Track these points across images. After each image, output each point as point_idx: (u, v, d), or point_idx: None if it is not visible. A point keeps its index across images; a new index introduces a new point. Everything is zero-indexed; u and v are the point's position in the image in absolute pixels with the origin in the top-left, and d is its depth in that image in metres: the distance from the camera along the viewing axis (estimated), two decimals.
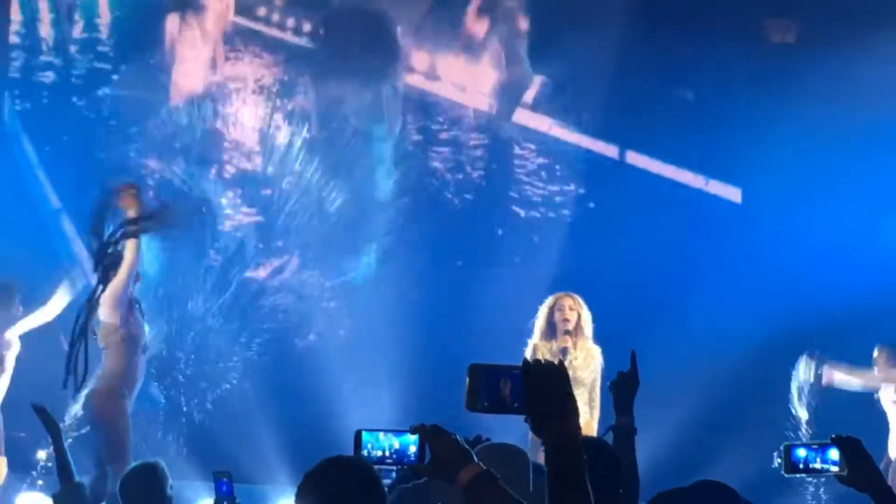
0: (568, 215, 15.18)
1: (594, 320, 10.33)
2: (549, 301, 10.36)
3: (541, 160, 15.41)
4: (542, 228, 15.22)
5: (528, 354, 10.05)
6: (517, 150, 15.47)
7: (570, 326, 10.16)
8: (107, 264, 10.06)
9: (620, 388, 5.76)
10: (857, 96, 13.60)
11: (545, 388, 3.25)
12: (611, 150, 15.41)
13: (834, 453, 4.70)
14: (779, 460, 4.71)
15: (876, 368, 12.38)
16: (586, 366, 10.07)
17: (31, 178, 15.04)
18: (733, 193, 14.89)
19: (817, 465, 4.69)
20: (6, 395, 11.40)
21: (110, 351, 10.00)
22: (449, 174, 15.39)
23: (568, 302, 10.24)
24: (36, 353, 11.54)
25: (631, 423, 5.69)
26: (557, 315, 10.20)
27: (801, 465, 4.69)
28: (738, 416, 13.02)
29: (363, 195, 15.20)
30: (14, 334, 11.41)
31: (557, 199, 15.31)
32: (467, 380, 3.33)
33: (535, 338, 10.29)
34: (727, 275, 13.93)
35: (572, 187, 15.28)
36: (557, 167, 15.37)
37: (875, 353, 12.32)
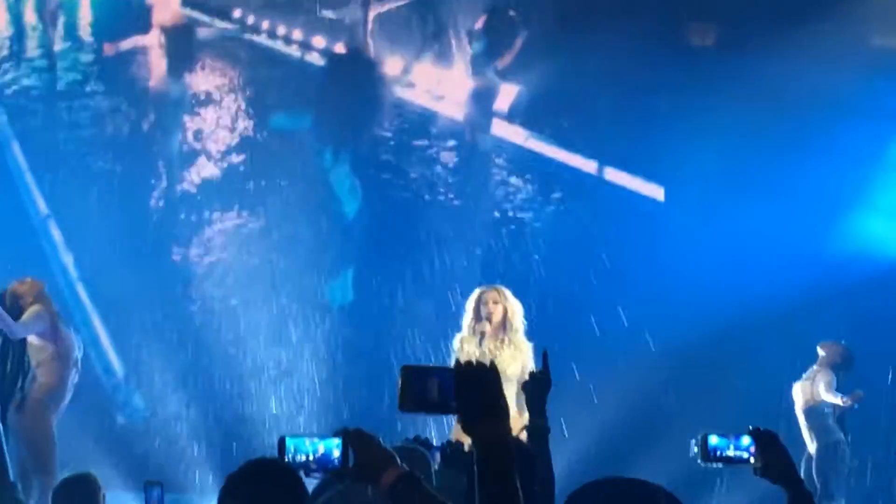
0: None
1: (534, 319, 10.16)
2: (474, 295, 10.09)
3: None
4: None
5: (455, 346, 10.08)
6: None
7: (496, 319, 9.85)
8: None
9: (533, 388, 5.72)
10: (777, 97, 13.70)
11: (476, 388, 3.24)
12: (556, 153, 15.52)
13: (746, 440, 4.73)
14: (695, 449, 4.74)
15: (817, 363, 12.61)
16: (514, 361, 9.64)
17: (20, 184, 15.01)
18: (656, 192, 14.99)
19: (731, 453, 4.72)
20: None
21: (41, 367, 10.09)
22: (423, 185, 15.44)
23: (492, 295, 9.95)
24: None
25: (545, 422, 5.65)
26: (482, 309, 9.90)
27: (716, 454, 4.73)
28: (663, 416, 13.11)
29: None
30: None
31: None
32: (399, 380, 3.32)
33: (463, 332, 10.03)
34: (652, 270, 14.01)
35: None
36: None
37: (819, 350, 12.51)
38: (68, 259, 14.68)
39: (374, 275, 14.89)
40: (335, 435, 3.94)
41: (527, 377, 9.35)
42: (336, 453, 3.98)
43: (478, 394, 3.24)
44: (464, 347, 9.87)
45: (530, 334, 10.04)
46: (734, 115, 13.67)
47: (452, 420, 8.37)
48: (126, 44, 15.52)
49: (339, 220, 15.20)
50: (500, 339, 9.83)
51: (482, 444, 3.20)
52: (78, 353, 10.43)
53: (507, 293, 10.07)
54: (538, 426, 5.65)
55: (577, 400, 10.07)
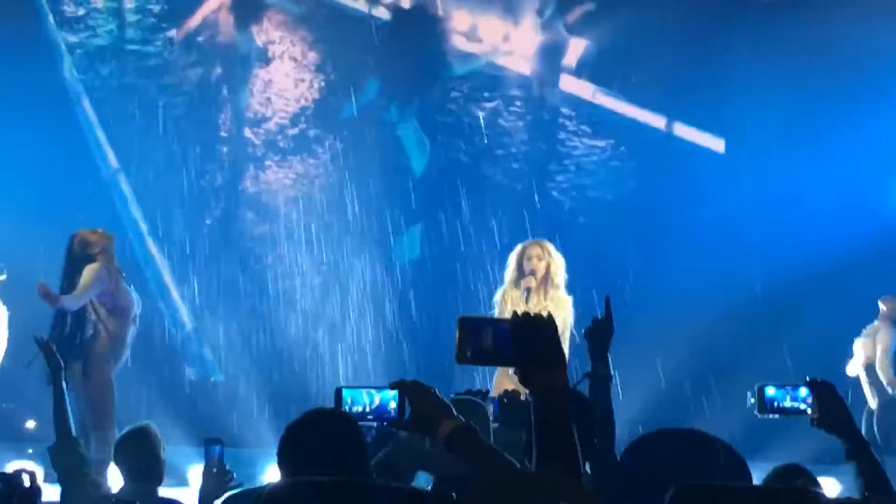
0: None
1: (596, 269, 10.05)
2: (517, 249, 10.08)
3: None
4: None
5: (497, 299, 10.07)
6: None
7: (539, 275, 9.84)
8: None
9: (595, 335, 5.62)
10: (839, 53, 13.62)
11: (533, 339, 3.27)
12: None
13: (803, 391, 4.73)
14: (752, 400, 4.72)
15: (878, 319, 12.57)
16: (556, 315, 9.56)
17: (91, 139, 15.13)
18: (718, 144, 14.94)
19: (787, 404, 4.71)
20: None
21: (100, 323, 10.12)
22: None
23: (536, 251, 9.94)
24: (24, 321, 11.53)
25: (607, 370, 5.55)
26: (526, 264, 9.89)
27: (773, 405, 4.72)
28: (725, 367, 13.08)
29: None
30: None
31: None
32: (457, 332, 3.36)
33: (505, 285, 10.02)
34: (713, 224, 13.98)
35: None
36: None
37: (881, 305, 12.47)
38: (138, 213, 14.80)
39: (441, 230, 14.89)
40: (391, 387, 3.92)
41: (567, 330, 9.54)
42: (392, 405, 4.02)
43: (535, 344, 3.27)
44: (507, 301, 9.84)
45: (589, 284, 10.08)
46: (795, 69, 13.59)
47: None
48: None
49: (407, 175, 15.20)
50: (541, 293, 9.84)
51: (539, 393, 3.24)
52: (137, 310, 10.43)
53: (551, 248, 10.06)
54: (600, 374, 5.55)
55: (635, 352, 10.05)
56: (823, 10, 13.73)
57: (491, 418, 6.12)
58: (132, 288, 10.50)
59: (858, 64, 13.60)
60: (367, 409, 4.15)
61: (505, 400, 6.49)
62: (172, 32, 15.53)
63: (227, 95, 15.53)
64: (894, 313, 12.45)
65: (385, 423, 4.40)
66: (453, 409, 3.66)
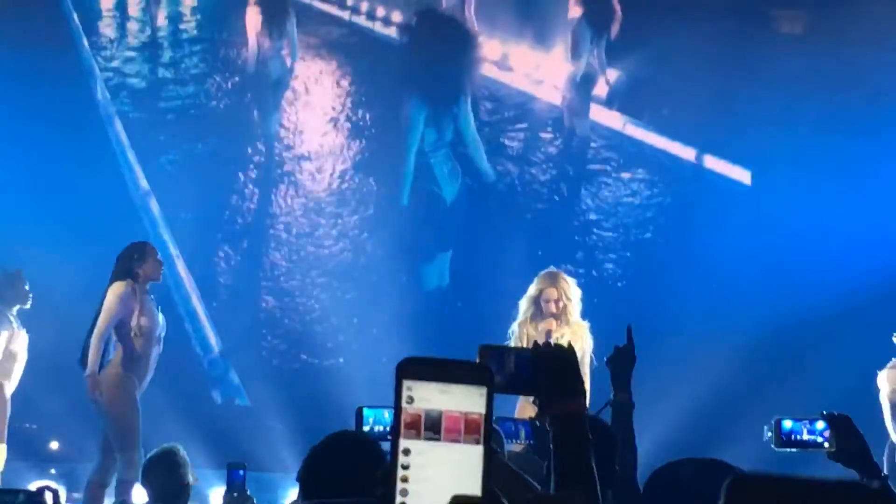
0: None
1: (621, 299, 10.01)
2: (535, 285, 10.23)
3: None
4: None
5: (513, 330, 10.19)
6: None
7: (558, 309, 10.03)
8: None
9: (617, 363, 5.65)
10: (863, 86, 13.67)
11: (554, 368, 3.35)
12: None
13: (820, 424, 4.75)
14: (769, 433, 4.74)
15: None
16: (574, 343, 9.66)
17: (122, 160, 15.23)
18: (743, 175, 14.97)
19: (805, 437, 4.73)
20: (18, 385, 11.38)
21: (122, 342, 10.18)
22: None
23: (552, 292, 10.08)
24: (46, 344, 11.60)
25: (629, 398, 5.59)
26: (545, 306, 10.07)
27: (791, 438, 4.73)
28: (746, 399, 13.08)
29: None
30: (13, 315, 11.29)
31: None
32: (477, 360, 3.43)
33: (521, 317, 10.17)
34: (737, 256, 13.99)
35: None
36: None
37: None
38: (167, 235, 14.88)
39: (471, 259, 14.92)
40: None
41: (586, 356, 9.64)
42: None
43: (555, 373, 3.33)
44: (524, 335, 9.98)
45: (614, 313, 10.16)
46: (821, 102, 13.63)
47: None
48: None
49: (438, 203, 15.24)
50: (562, 327, 10.02)
51: (559, 422, 3.30)
52: (161, 332, 10.51)
53: (566, 286, 10.21)
54: (622, 402, 5.59)
55: (658, 381, 10.09)
56: (851, 45, 13.75)
57: (524, 442, 6.19)
58: (159, 309, 10.55)
59: (883, 98, 13.62)
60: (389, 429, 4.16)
61: (538, 423, 6.56)
62: (203, 57, 15.60)
63: (258, 121, 15.59)
64: None
65: None
66: None
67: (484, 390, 2.32)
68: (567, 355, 3.38)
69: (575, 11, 15.46)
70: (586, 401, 3.39)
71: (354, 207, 15.30)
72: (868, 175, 13.80)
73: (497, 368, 3.41)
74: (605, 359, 5.73)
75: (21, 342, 11.18)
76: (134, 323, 10.15)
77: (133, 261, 10.33)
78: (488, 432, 2.33)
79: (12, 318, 11.08)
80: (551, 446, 3.31)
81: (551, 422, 3.33)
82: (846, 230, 13.86)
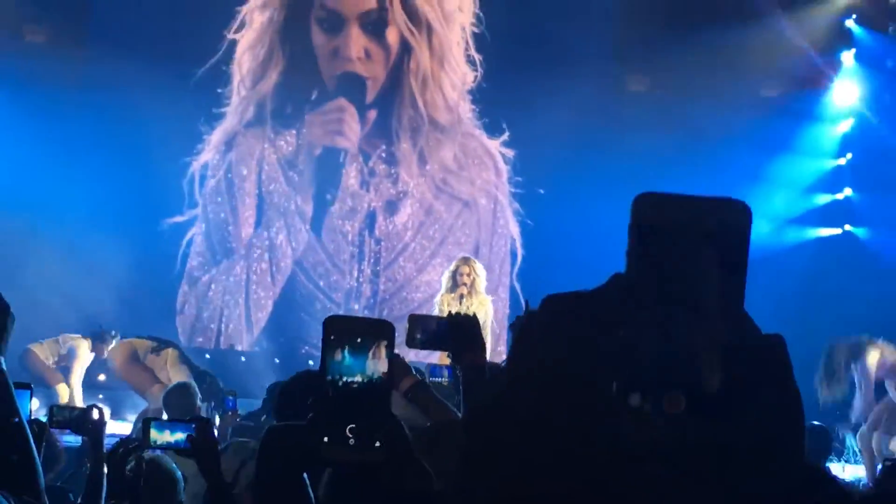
0: None
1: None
2: (452, 266, 10.43)
3: None
4: None
5: (437, 300, 10.37)
6: None
7: (468, 283, 10.20)
8: None
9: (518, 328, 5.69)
10: (692, 132, 13.72)
11: (463, 331, 3.45)
12: None
13: None
14: None
15: None
16: (479, 311, 9.83)
17: None
18: None
19: None
20: None
21: None
22: None
23: (465, 269, 10.25)
24: None
25: None
26: (458, 278, 10.23)
27: None
28: None
29: None
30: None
31: None
32: (407, 325, 3.53)
33: (442, 291, 10.36)
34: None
35: None
36: None
37: None
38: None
39: None
40: None
41: (488, 322, 9.91)
42: None
43: (464, 336, 3.42)
44: (445, 303, 10.15)
45: None
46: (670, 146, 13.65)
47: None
48: None
49: None
50: (471, 298, 10.16)
51: (466, 370, 3.39)
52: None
53: (475, 265, 10.43)
54: None
55: None
56: (687, 97, 13.80)
57: (446, 380, 6.27)
58: None
59: (714, 139, 13.72)
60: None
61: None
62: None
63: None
64: None
65: None
66: (412, 369, 3.75)
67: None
68: (473, 322, 3.47)
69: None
70: (485, 355, 3.46)
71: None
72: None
73: (422, 331, 3.51)
74: (510, 324, 5.79)
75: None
76: None
77: None
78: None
79: None
80: (461, 387, 3.37)
81: (460, 370, 3.40)
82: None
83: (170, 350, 10.47)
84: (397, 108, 14.40)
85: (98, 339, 11.34)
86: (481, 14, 14.51)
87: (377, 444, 2.21)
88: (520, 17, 14.45)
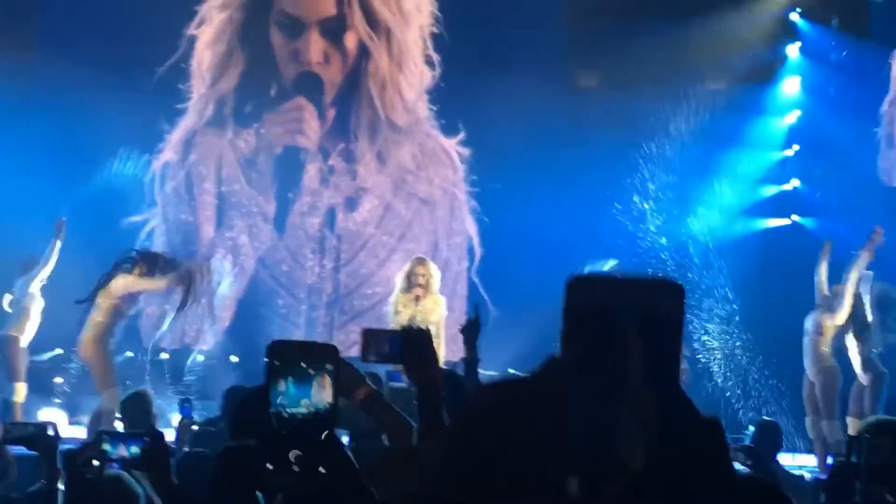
0: None
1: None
2: (406, 267, 10.36)
3: None
4: None
5: (392, 301, 10.31)
6: None
7: (423, 284, 10.13)
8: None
9: (467, 331, 5.56)
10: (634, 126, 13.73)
11: (416, 346, 3.32)
12: None
13: None
14: None
15: None
16: (433, 311, 10.09)
17: None
18: None
19: None
20: (34, 336, 11.35)
21: (103, 310, 10.07)
22: None
23: (420, 269, 10.21)
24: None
25: (475, 356, 5.52)
26: (413, 278, 10.17)
27: None
28: None
29: None
30: (35, 289, 11.24)
31: None
32: (361, 339, 3.42)
33: (397, 292, 10.29)
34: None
35: None
36: None
37: None
38: None
39: None
40: None
41: (441, 321, 9.86)
42: None
43: (416, 350, 3.32)
44: (400, 303, 10.14)
45: None
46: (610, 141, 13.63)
47: None
48: None
49: None
50: (426, 298, 10.13)
51: (419, 386, 3.29)
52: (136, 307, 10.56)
53: (430, 266, 10.41)
54: (471, 359, 5.49)
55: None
56: (631, 92, 13.79)
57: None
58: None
59: (647, 134, 13.75)
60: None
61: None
62: None
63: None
64: None
65: None
66: (367, 379, 3.69)
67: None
68: (425, 337, 3.36)
69: None
70: (439, 368, 3.36)
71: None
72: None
73: (376, 346, 3.41)
74: (459, 327, 5.71)
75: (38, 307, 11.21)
76: (120, 301, 10.03)
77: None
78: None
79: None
80: (415, 402, 3.31)
81: (415, 385, 3.30)
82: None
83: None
84: (356, 109, 14.36)
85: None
86: (439, 14, 14.45)
87: (321, 469, 2.12)
88: (475, 17, 14.46)
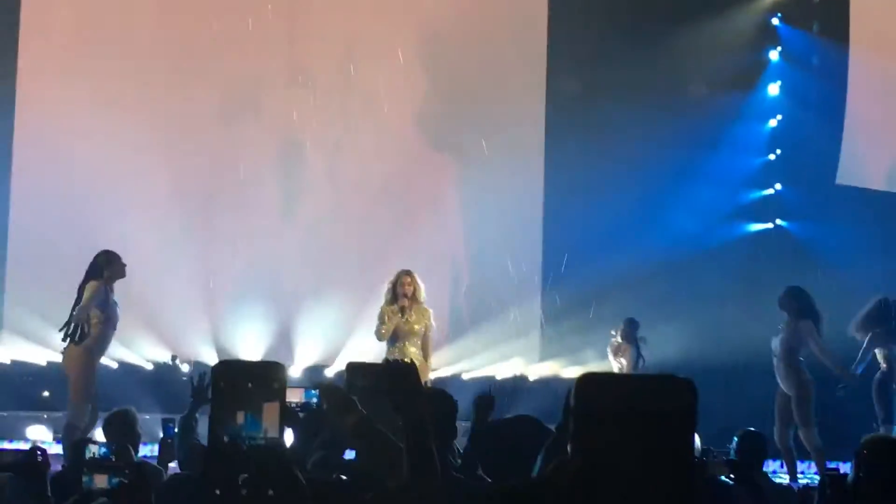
0: None
1: None
2: (392, 278, 10.30)
3: None
4: None
5: (380, 312, 10.26)
6: None
7: (409, 294, 10.13)
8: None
9: (481, 408, 5.69)
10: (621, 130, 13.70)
11: (401, 381, 3.27)
12: None
13: None
14: None
15: None
16: (420, 321, 10.11)
17: None
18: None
19: None
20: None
21: (94, 327, 9.86)
22: None
23: (406, 280, 10.18)
24: None
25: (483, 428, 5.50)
26: (399, 289, 10.17)
27: None
28: None
29: None
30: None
31: None
32: (346, 373, 3.36)
33: (384, 303, 10.25)
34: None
35: None
36: None
37: None
38: None
39: None
40: (313, 388, 3.98)
41: (430, 332, 10.06)
42: (314, 400, 4.02)
43: (401, 385, 3.24)
44: (386, 314, 10.13)
45: None
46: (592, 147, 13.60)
47: None
48: None
49: None
50: (412, 307, 10.14)
51: (405, 421, 3.22)
52: (118, 319, 10.20)
53: (416, 276, 10.33)
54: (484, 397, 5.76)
55: None
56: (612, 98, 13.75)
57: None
58: (117, 301, 10.15)
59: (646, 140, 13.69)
60: (296, 403, 4.12)
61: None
62: None
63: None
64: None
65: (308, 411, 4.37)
66: (357, 404, 3.63)
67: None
68: (409, 371, 3.30)
69: None
70: (424, 402, 3.29)
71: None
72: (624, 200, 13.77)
73: (361, 379, 3.35)
74: (475, 398, 5.79)
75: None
76: (101, 314, 9.80)
77: (102, 265, 9.93)
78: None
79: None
80: (405, 436, 3.24)
81: (400, 419, 3.23)
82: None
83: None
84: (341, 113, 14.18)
85: None
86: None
87: (269, 492, 2.06)
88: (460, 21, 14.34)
